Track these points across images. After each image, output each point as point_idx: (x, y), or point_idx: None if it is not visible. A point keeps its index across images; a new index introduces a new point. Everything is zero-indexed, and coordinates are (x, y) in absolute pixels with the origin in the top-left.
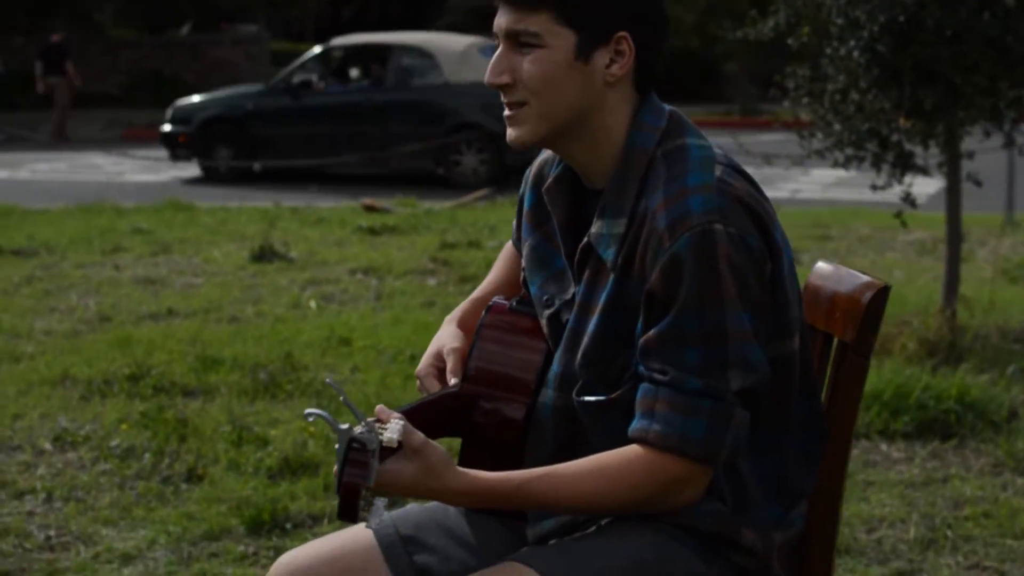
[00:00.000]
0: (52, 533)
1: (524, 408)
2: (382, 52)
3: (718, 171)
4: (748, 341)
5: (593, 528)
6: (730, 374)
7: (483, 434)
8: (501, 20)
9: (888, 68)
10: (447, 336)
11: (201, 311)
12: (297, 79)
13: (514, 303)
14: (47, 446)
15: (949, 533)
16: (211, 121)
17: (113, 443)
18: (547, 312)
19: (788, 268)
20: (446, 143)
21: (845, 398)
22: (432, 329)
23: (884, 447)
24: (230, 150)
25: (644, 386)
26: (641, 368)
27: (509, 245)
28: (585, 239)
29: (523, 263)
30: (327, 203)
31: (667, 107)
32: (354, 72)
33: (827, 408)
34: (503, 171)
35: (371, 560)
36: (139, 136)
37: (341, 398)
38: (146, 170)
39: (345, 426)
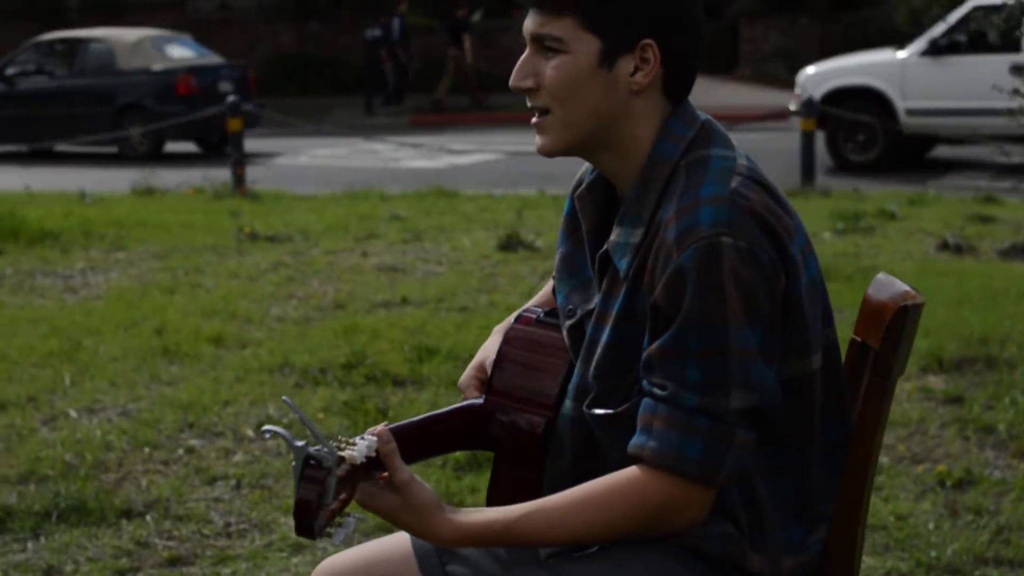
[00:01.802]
0: (232, 520)
1: (543, 421)
2: (77, 44)
3: (735, 183)
4: (752, 359)
5: (597, 547)
6: (732, 393)
7: (506, 447)
8: (528, 23)
9: None
10: (492, 347)
11: (434, 300)
12: (12, 70)
13: (542, 315)
14: (249, 433)
15: None
16: None
17: None
18: (568, 323)
19: (808, 284)
20: (116, 122)
21: (866, 419)
22: None
23: None
24: None
25: (645, 401)
26: (644, 382)
27: None
28: (604, 247)
29: (555, 272)
30: None
31: (702, 116)
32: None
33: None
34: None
35: (407, 568)
36: (427, 122)
37: (298, 417)
38: (422, 156)
39: (301, 443)
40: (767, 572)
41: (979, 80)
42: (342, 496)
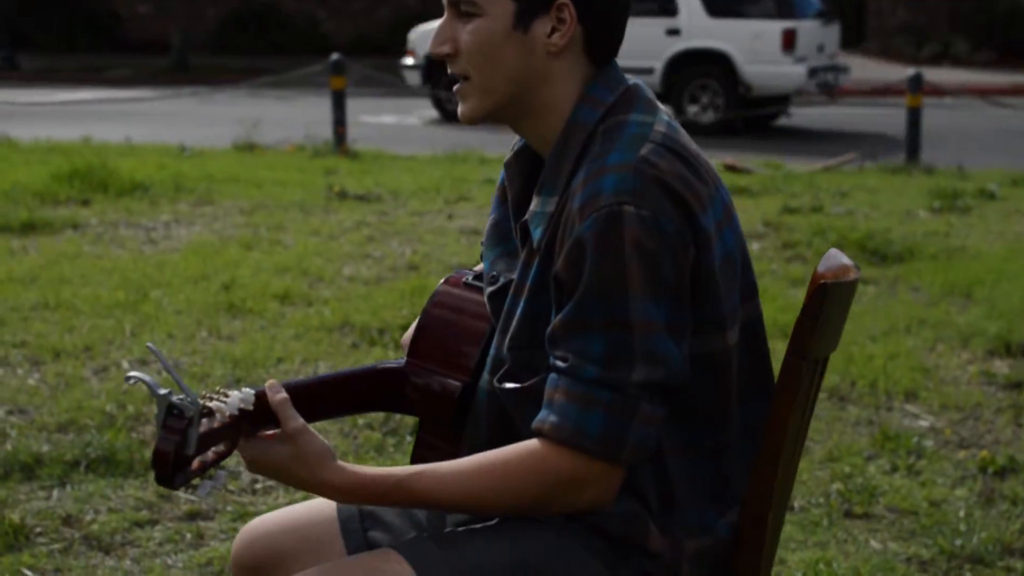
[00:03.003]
0: (260, 478)
1: (459, 386)
2: None
3: (644, 150)
4: (657, 332)
5: (496, 520)
6: (634, 366)
7: (422, 411)
8: None
9: None
10: None
11: None
12: None
13: (470, 278)
14: None
15: None
16: None
17: None
18: (490, 289)
19: (723, 257)
20: None
21: (780, 400)
22: None
23: None
24: None
25: (550, 375)
26: (550, 356)
27: None
28: (524, 217)
29: (483, 238)
30: None
31: (630, 80)
32: None
33: None
34: None
35: (329, 532)
36: None
37: (162, 365)
38: None
39: (164, 391)
40: (667, 554)
41: (639, 41)
42: (220, 449)
